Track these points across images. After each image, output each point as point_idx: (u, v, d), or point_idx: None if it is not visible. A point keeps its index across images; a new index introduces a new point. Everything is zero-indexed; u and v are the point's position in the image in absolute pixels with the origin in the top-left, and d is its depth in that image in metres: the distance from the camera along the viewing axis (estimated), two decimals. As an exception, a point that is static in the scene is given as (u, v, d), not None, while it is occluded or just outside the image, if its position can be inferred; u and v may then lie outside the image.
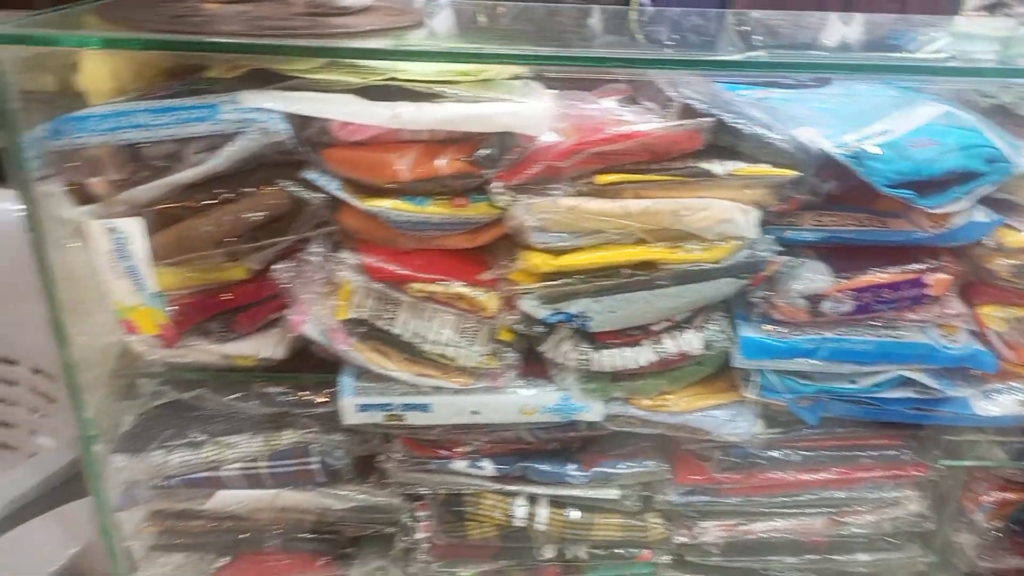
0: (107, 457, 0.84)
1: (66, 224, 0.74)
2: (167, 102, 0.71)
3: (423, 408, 0.81)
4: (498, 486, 0.86)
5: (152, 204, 0.73)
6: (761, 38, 1.00)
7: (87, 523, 1.12)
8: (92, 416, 0.80)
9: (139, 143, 0.71)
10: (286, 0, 0.80)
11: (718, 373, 0.83)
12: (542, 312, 0.78)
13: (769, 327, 0.79)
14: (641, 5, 1.76)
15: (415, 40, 0.77)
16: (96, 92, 0.74)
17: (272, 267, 0.79)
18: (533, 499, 0.86)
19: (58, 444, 1.20)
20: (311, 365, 0.84)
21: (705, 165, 0.75)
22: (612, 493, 0.86)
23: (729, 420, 0.83)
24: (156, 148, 0.71)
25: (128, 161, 0.72)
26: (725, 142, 0.76)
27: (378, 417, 0.81)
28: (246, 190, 0.74)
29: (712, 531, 0.87)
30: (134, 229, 0.73)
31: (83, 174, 0.72)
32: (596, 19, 1.10)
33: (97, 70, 0.75)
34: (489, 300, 0.79)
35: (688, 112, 0.75)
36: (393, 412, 0.81)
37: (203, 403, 0.84)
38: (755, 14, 1.11)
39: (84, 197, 0.73)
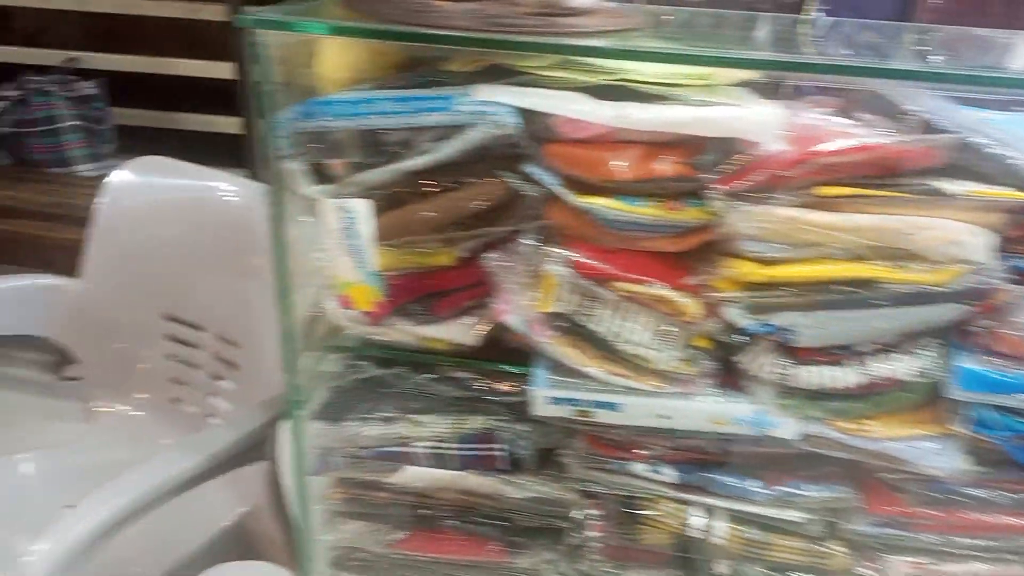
0: (305, 424, 0.88)
1: (300, 201, 0.79)
2: (407, 92, 0.74)
3: (613, 407, 0.81)
4: (676, 494, 0.85)
5: (381, 187, 0.77)
6: (940, 57, 0.95)
7: (258, 486, 1.19)
8: (302, 384, 0.85)
9: (378, 129, 0.75)
10: (514, 0, 0.82)
11: (923, 402, 0.79)
12: (746, 322, 0.77)
13: (991, 359, 0.75)
14: (814, 16, 1.71)
15: (641, 42, 0.78)
16: (334, 80, 0.79)
17: (477, 255, 0.82)
18: (710, 511, 0.85)
19: (233, 407, 1.28)
20: (498, 354, 0.86)
21: (936, 183, 0.72)
22: (795, 515, 0.83)
23: (933, 452, 0.79)
24: (392, 135, 0.75)
25: (365, 145, 0.76)
26: (960, 160, 0.73)
27: (567, 411, 0.82)
28: (468, 179, 0.77)
29: (899, 567, 0.83)
30: (363, 210, 0.77)
31: (324, 155, 0.76)
32: (764, 29, 1.07)
33: (336, 58, 0.80)
34: (691, 305, 0.78)
35: (925, 127, 0.72)
36: (583, 408, 0.81)
37: (398, 381, 0.88)
38: (938, 31, 1.05)
39: (321, 177, 0.78)
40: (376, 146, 0.76)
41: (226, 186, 1.26)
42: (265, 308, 1.24)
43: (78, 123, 2.03)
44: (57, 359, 2.07)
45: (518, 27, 0.76)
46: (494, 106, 0.73)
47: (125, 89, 2.16)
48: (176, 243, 1.27)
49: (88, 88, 2.07)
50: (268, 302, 1.23)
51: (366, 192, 0.77)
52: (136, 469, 0.90)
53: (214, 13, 2.06)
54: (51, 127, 1.98)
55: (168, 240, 1.27)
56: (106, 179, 1.29)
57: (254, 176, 2.01)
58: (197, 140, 2.21)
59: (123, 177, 1.29)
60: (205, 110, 2.19)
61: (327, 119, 0.75)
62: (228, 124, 2.15)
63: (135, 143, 2.19)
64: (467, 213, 0.78)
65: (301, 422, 0.87)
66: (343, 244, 0.79)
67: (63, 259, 1.79)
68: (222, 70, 2.11)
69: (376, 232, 0.78)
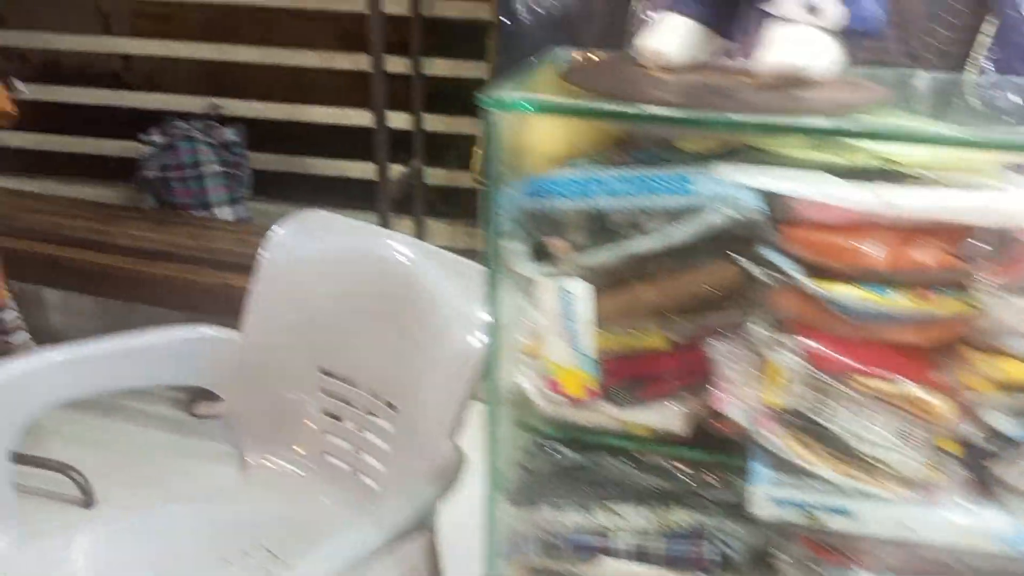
0: (499, 506, 0.85)
1: (512, 278, 0.76)
2: (638, 171, 0.71)
3: (847, 513, 0.74)
4: (908, 609, 0.77)
5: (603, 269, 0.73)
6: None
7: (417, 556, 1.15)
8: (502, 466, 0.81)
9: (605, 209, 0.71)
10: (739, 68, 0.78)
11: None
12: (1008, 426, 0.69)
13: None
14: (982, 70, 1.61)
15: (895, 119, 0.72)
16: (553, 154, 0.76)
17: (693, 339, 0.77)
18: (946, 631, 0.77)
19: (385, 468, 1.25)
20: (708, 444, 0.80)
21: None
22: (1050, 644, 0.74)
23: None
24: (620, 215, 0.71)
25: (590, 225, 0.72)
26: None
27: (793, 514, 0.75)
28: (698, 263, 0.72)
29: None
30: (583, 293, 0.73)
31: (545, 233, 0.73)
32: (923, 82, 0.99)
33: (555, 131, 0.77)
34: (940, 404, 0.71)
35: None
36: (811, 512, 0.75)
37: (597, 467, 0.83)
38: None
39: (541, 256, 0.74)
40: (601, 226, 0.72)
41: (387, 243, 1.25)
42: (421, 369, 1.22)
43: (219, 168, 2.10)
44: (190, 396, 2.12)
45: (752, 104, 0.71)
46: (734, 188, 0.68)
47: (260, 134, 2.23)
48: (336, 298, 1.26)
49: (229, 134, 2.14)
50: (425, 363, 1.21)
51: (587, 273, 0.73)
52: (323, 548, 0.88)
53: (353, 62, 2.11)
54: (196, 172, 2.06)
55: (328, 295, 1.27)
56: (269, 232, 1.30)
57: (384, 222, 2.04)
58: (329, 185, 2.26)
59: (286, 231, 1.30)
60: (338, 155, 2.24)
61: (553, 198, 0.71)
62: (360, 169, 2.19)
63: (269, 187, 2.25)
64: (694, 298, 0.73)
65: (496, 505, 0.83)
66: (559, 326, 0.75)
67: (209, 303, 1.84)
68: (355, 117, 2.15)
69: (594, 315, 0.74)
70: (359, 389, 1.28)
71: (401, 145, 2.13)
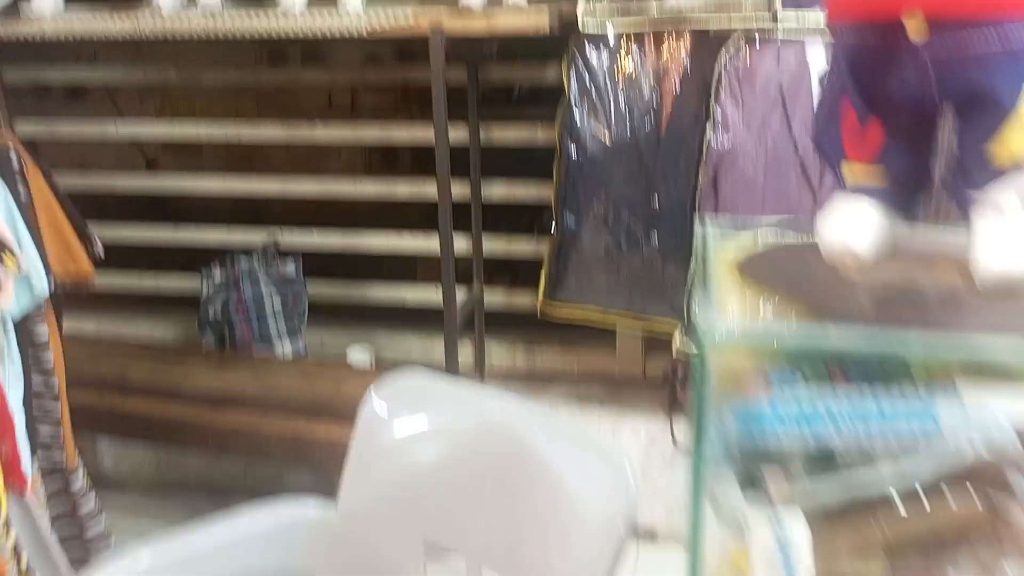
0: None
1: (726, 510, 0.67)
2: (868, 396, 0.63)
3: None
4: None
5: (827, 504, 0.65)
6: None
7: None
8: None
9: (829, 439, 0.63)
10: (940, 260, 0.71)
11: None
12: None
13: None
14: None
15: None
16: (751, 369, 0.69)
17: None
18: None
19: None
20: None
21: None
22: None
23: None
24: (847, 445, 0.63)
25: (809, 456, 0.64)
26: None
27: None
28: (938, 496, 0.63)
29: None
30: (801, 535, 0.64)
31: (759, 463, 0.65)
32: None
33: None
34: None
35: None
36: None
37: None
38: None
39: (754, 488, 0.66)
40: (823, 457, 0.64)
41: (490, 403, 1.16)
42: (548, 551, 1.09)
43: (280, 303, 2.04)
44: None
45: (983, 321, 0.64)
46: (985, 415, 0.60)
47: (315, 264, 2.18)
48: (442, 467, 1.16)
49: (289, 269, 2.09)
50: (552, 544, 1.09)
51: (807, 507, 0.65)
52: None
53: (407, 189, 2.09)
54: (259, 309, 2.00)
55: (433, 462, 1.17)
56: (365, 397, 1.22)
57: (452, 349, 1.96)
58: (384, 312, 2.20)
59: (384, 394, 1.21)
60: (391, 280, 2.19)
61: (768, 426, 0.63)
62: (417, 294, 2.14)
63: (324, 316, 2.19)
64: (932, 535, 0.64)
65: None
66: (773, 566, 0.66)
67: (275, 449, 1.75)
68: (412, 242, 2.11)
69: (815, 556, 0.65)
70: (470, 566, 1.18)
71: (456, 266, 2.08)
